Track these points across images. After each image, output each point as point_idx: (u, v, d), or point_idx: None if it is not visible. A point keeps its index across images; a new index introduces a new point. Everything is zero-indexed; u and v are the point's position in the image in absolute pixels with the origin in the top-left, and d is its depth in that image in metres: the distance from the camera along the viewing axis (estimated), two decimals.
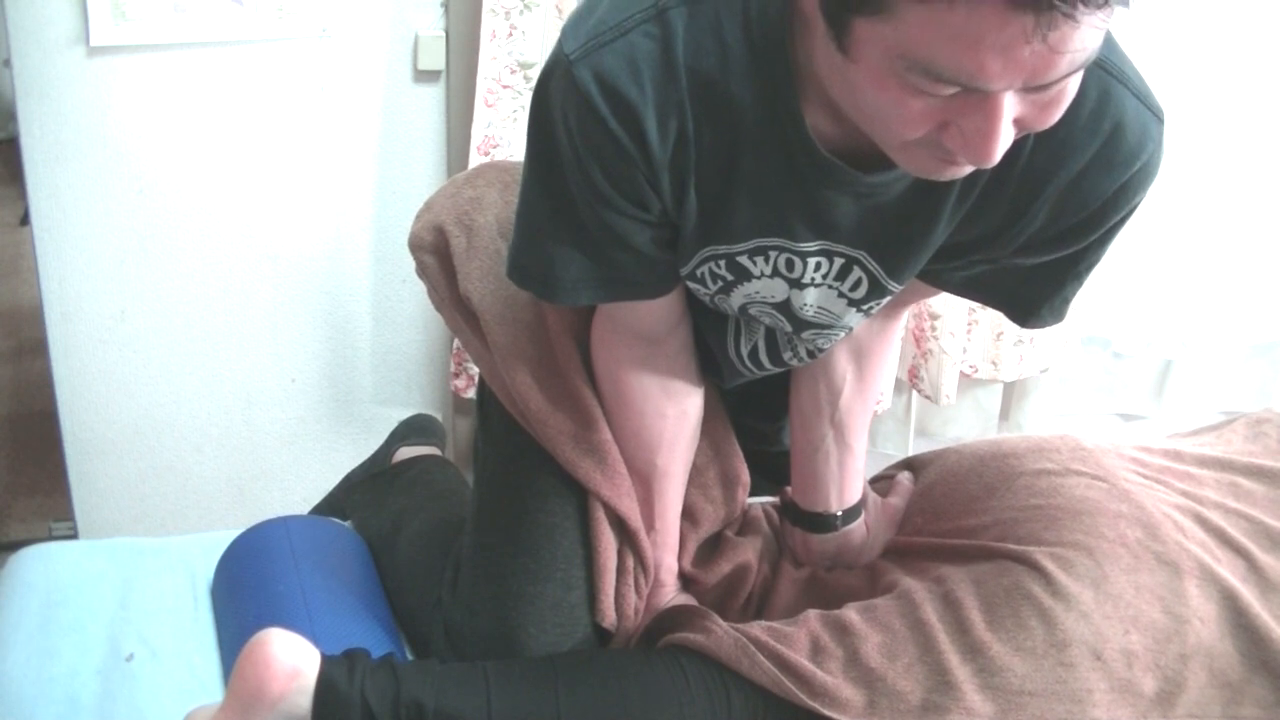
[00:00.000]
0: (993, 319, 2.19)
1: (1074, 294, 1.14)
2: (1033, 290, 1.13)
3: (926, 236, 1.03)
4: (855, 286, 1.09)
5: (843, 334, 1.18)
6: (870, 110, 0.84)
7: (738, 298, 1.12)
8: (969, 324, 2.19)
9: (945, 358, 2.17)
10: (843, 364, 1.28)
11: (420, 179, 2.00)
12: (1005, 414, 2.41)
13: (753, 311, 1.15)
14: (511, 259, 1.13)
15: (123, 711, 1.22)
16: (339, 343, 2.09)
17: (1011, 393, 2.38)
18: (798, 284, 1.09)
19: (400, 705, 1.09)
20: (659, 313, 1.18)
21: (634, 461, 1.26)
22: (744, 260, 1.07)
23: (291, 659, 1.09)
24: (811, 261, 1.07)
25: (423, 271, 1.35)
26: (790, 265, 1.07)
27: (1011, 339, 2.20)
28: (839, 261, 1.07)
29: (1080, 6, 0.71)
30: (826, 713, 1.12)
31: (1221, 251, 2.31)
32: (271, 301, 2.02)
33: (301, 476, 2.17)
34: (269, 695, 1.07)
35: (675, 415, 1.26)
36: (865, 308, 1.12)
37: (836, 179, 0.98)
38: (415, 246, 1.34)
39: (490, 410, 1.32)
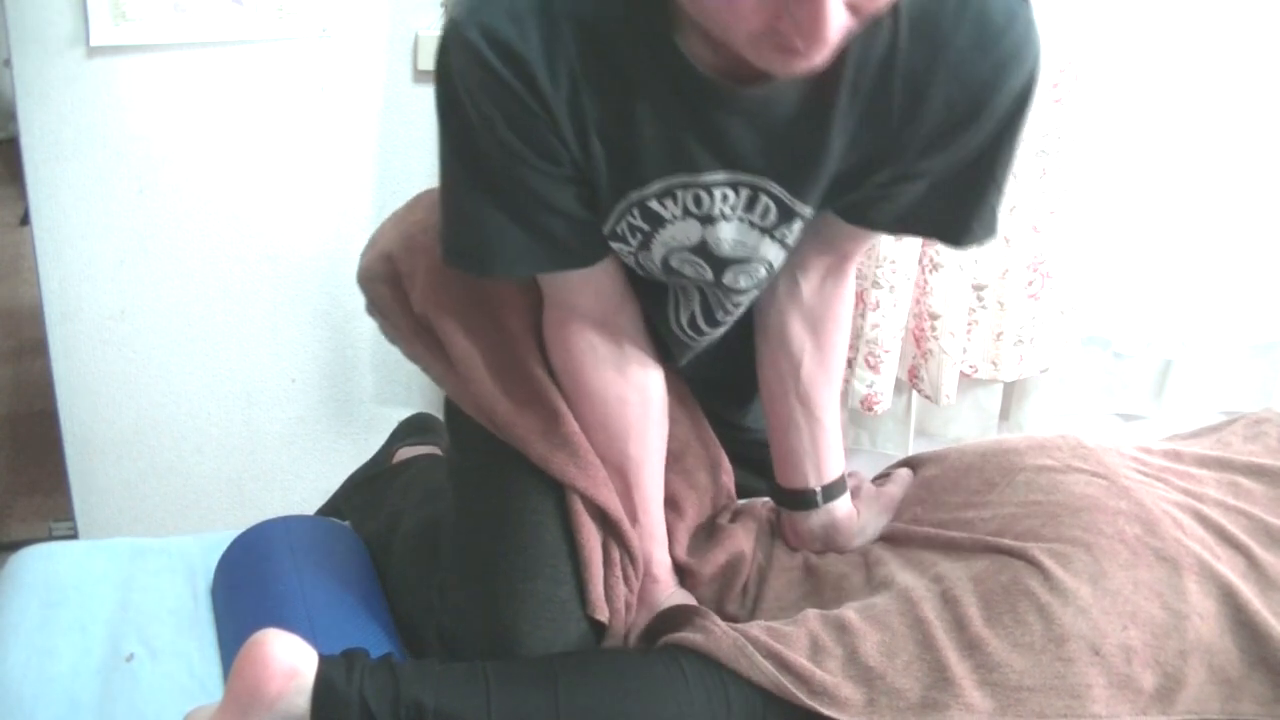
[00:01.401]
0: (993, 319, 2.19)
1: (998, 203, 1.15)
2: (958, 208, 1.15)
3: (822, 150, 1.06)
4: (765, 214, 1.11)
5: (764, 270, 1.19)
6: (710, 10, 0.89)
7: (658, 249, 1.14)
8: (969, 324, 2.19)
9: (945, 358, 2.17)
10: (799, 336, 1.30)
11: (420, 179, 2.01)
12: (1005, 414, 2.41)
13: (674, 264, 1.16)
14: (443, 240, 1.15)
15: (123, 711, 1.22)
16: (339, 343, 2.10)
17: (1011, 393, 2.38)
18: (709, 219, 1.11)
19: (399, 705, 1.09)
20: (599, 286, 1.20)
21: (607, 454, 1.27)
22: (655, 205, 1.09)
23: (289, 659, 1.09)
24: (718, 193, 1.09)
25: (374, 306, 1.38)
26: (698, 201, 1.09)
27: (1011, 339, 2.20)
28: (745, 192, 1.09)
29: None
30: (826, 712, 1.12)
31: (1221, 251, 2.31)
32: (271, 301, 2.02)
33: (301, 476, 2.17)
34: (267, 695, 1.07)
35: (638, 401, 1.27)
36: (778, 235, 1.14)
37: (721, 99, 1.02)
38: (366, 280, 1.37)
39: (460, 425, 1.33)
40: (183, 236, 1.93)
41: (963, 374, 2.24)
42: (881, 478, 1.47)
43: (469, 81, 1.01)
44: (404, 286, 1.32)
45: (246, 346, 2.04)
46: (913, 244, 2.06)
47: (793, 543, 1.38)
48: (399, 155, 1.98)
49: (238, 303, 2.01)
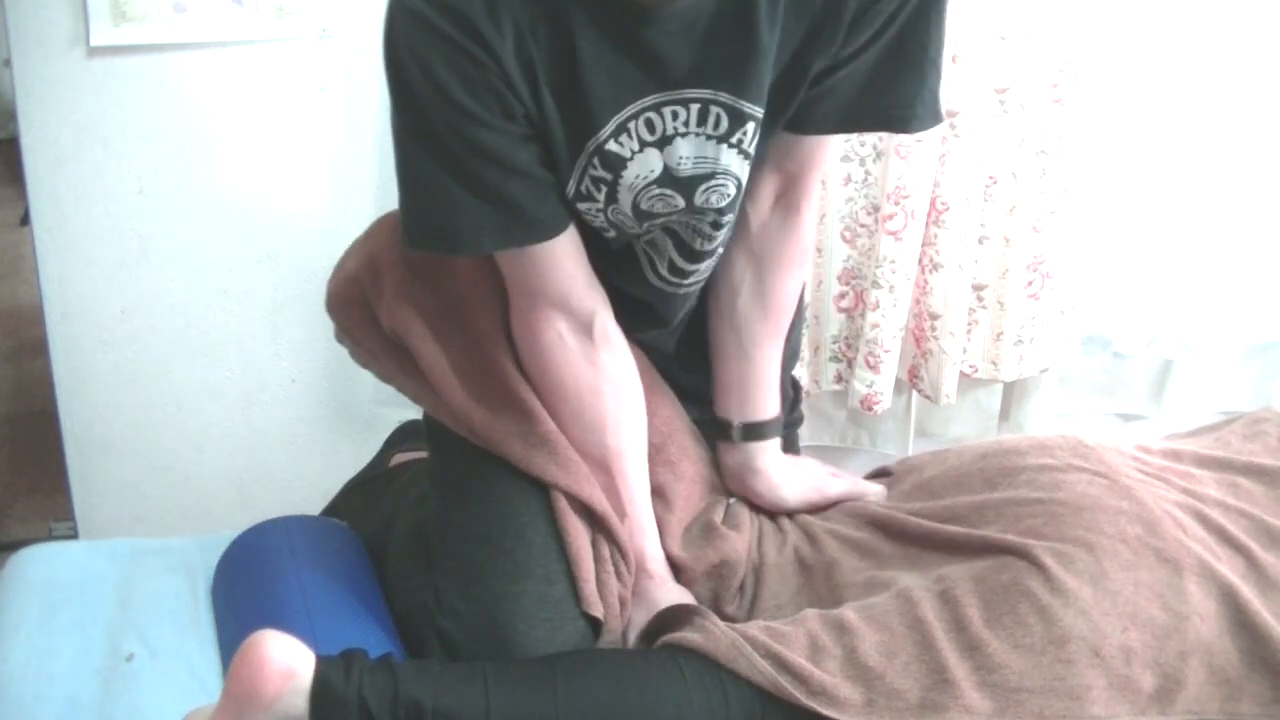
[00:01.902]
0: (993, 319, 2.19)
1: (937, 84, 1.20)
2: (899, 93, 1.19)
3: (752, 46, 1.09)
4: (717, 123, 1.14)
5: (732, 185, 1.20)
6: None
7: (625, 195, 1.16)
8: (969, 324, 2.19)
9: (945, 358, 2.17)
10: (740, 267, 1.33)
11: None
12: (1005, 414, 2.41)
13: (645, 205, 1.18)
14: (405, 224, 1.17)
15: (123, 711, 1.22)
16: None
17: (1011, 393, 2.38)
18: (666, 140, 1.14)
19: (399, 705, 1.09)
20: (565, 266, 1.22)
21: (587, 450, 1.28)
22: (612, 145, 1.12)
23: (286, 660, 1.09)
24: (668, 112, 1.12)
25: (343, 330, 1.39)
26: (651, 125, 1.12)
27: (1011, 339, 2.20)
28: (695, 107, 1.12)
29: None
30: (825, 711, 1.12)
31: (1221, 251, 2.31)
32: (271, 301, 2.02)
33: (301, 476, 2.17)
34: (264, 696, 1.07)
35: (610, 391, 1.28)
36: (734, 141, 1.16)
37: (655, 18, 1.06)
38: (334, 305, 1.38)
39: (440, 438, 1.34)
40: (183, 236, 1.93)
41: (963, 374, 2.24)
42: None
43: (418, 49, 1.03)
44: (372, 305, 1.34)
45: (246, 346, 2.04)
46: (913, 244, 2.06)
47: (722, 480, 1.41)
48: None
49: (238, 303, 2.01)
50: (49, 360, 1.95)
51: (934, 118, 1.22)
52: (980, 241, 2.11)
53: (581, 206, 1.17)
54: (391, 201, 1.99)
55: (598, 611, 1.25)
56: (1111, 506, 1.22)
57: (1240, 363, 2.49)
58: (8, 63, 1.77)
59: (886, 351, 2.15)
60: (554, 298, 1.23)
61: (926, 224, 2.07)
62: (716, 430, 1.41)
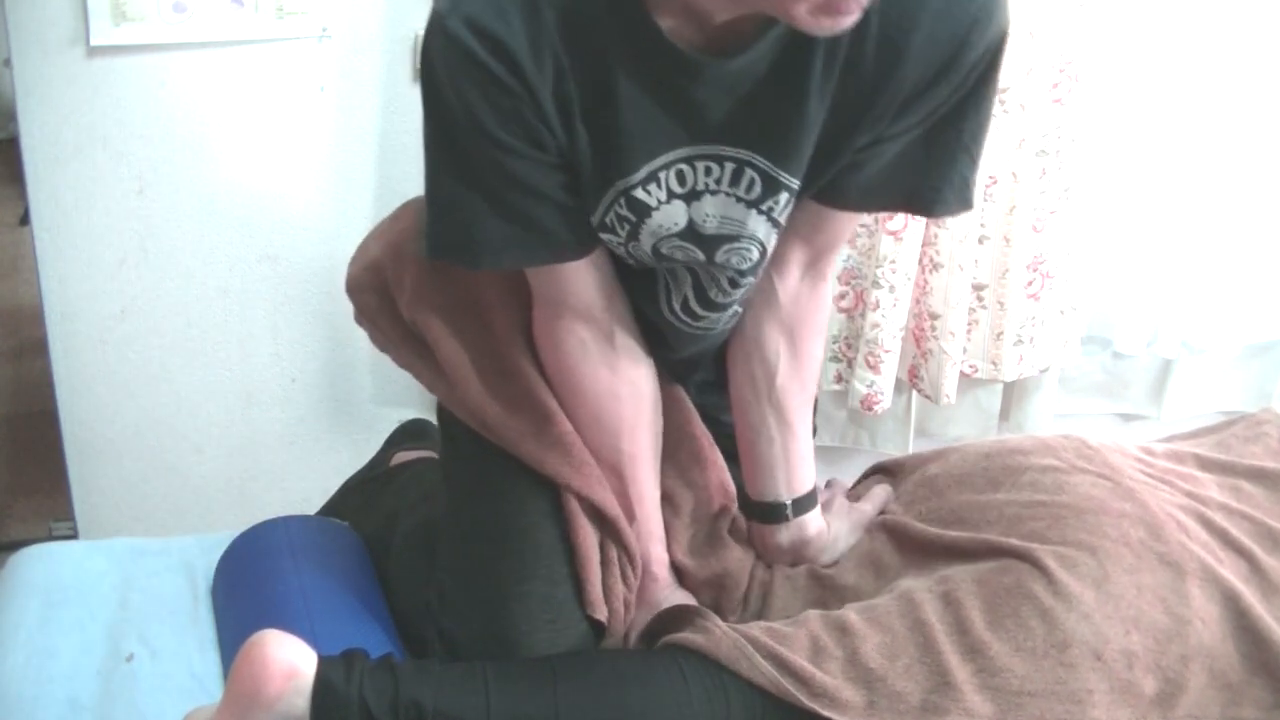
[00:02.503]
0: (993, 319, 2.19)
1: (971, 172, 1.16)
2: (929, 176, 1.15)
3: (801, 116, 1.06)
4: (750, 187, 1.11)
5: (755, 250, 1.18)
6: None
7: (647, 238, 1.14)
8: (969, 324, 2.19)
9: (945, 358, 2.17)
10: (774, 340, 1.29)
11: (420, 179, 2.00)
12: (1005, 414, 2.41)
13: (665, 250, 1.16)
14: (429, 236, 1.16)
15: (123, 711, 1.22)
16: (339, 343, 2.10)
17: (1011, 393, 2.38)
18: (694, 195, 1.11)
19: (399, 706, 1.09)
20: (589, 279, 1.20)
21: (600, 451, 1.27)
22: (640, 194, 1.10)
23: (288, 659, 1.09)
24: (700, 166, 1.10)
25: (363, 314, 1.38)
26: (682, 178, 1.10)
27: (1011, 339, 2.20)
28: (730, 166, 1.10)
29: None
30: (826, 713, 1.12)
31: (1221, 251, 2.31)
32: (271, 301, 2.02)
33: (301, 476, 2.17)
34: (266, 696, 1.07)
35: (630, 396, 1.27)
36: (765, 208, 1.13)
37: (703, 75, 1.03)
38: (354, 290, 1.37)
39: (454, 430, 1.33)
40: (183, 236, 1.93)
41: (963, 374, 2.24)
42: (859, 484, 1.46)
43: (454, 73, 1.02)
44: (392, 294, 1.33)
45: (246, 346, 2.04)
46: (913, 244, 2.06)
47: (761, 555, 1.37)
48: (399, 155, 1.98)
49: (238, 303, 2.01)
50: (49, 360, 1.95)
51: (961, 204, 1.17)
52: (980, 241, 2.11)
53: (604, 236, 1.16)
54: (391, 201, 1.99)
55: (602, 615, 1.25)
56: (1115, 509, 1.22)
57: (1240, 363, 2.49)
58: (8, 63, 1.77)
59: (887, 351, 2.15)
60: (577, 308, 1.22)
61: (926, 224, 2.07)
62: (762, 516, 1.35)
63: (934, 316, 2.15)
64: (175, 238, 1.93)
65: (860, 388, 2.18)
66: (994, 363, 2.23)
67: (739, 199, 1.12)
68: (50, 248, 1.87)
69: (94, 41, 1.74)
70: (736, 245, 1.16)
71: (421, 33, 1.87)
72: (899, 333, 2.16)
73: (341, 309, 2.06)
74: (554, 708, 1.12)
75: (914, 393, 2.29)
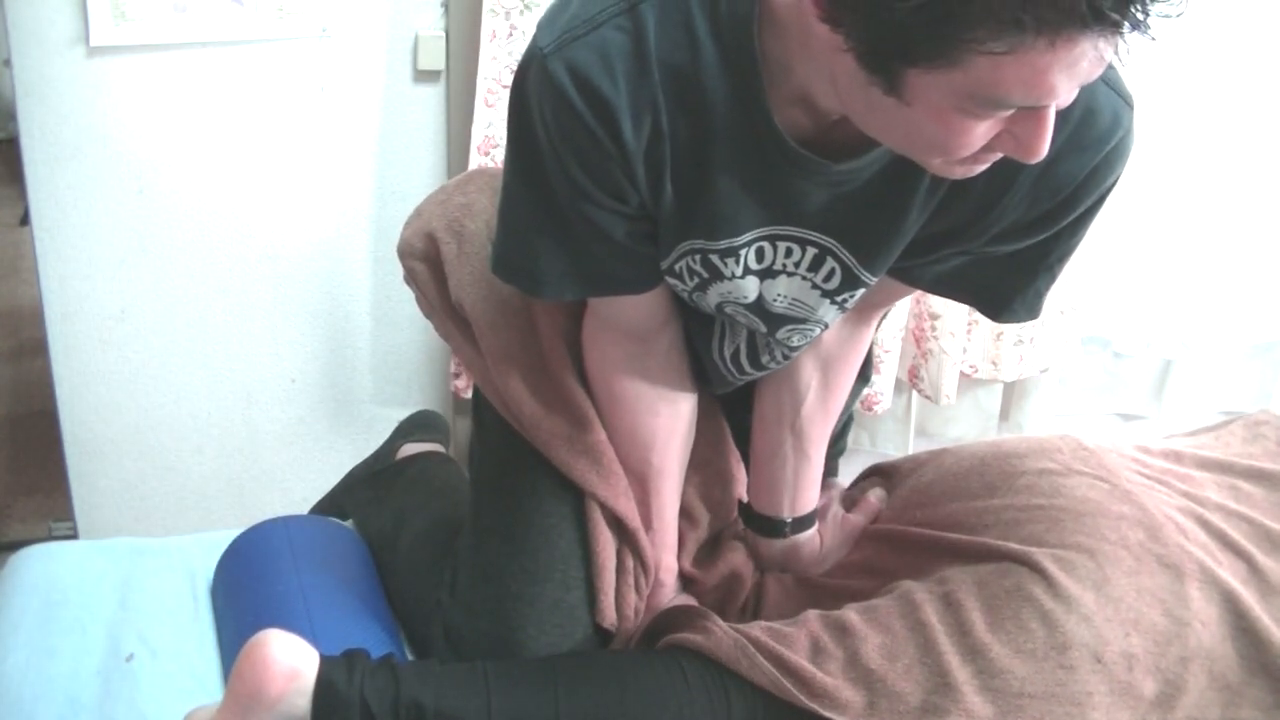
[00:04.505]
0: None
1: (1046, 287, 1.14)
2: (1004, 283, 1.14)
3: (898, 225, 1.04)
4: (829, 277, 1.09)
5: (818, 330, 1.18)
6: (925, 140, 0.86)
7: (714, 296, 1.13)
8: (969, 324, 2.19)
9: (945, 358, 2.17)
10: (808, 372, 1.29)
11: (420, 179, 2.00)
12: (1005, 414, 2.41)
13: (728, 310, 1.15)
14: (496, 254, 1.13)
15: (123, 711, 1.22)
16: (339, 343, 2.09)
17: (1011, 393, 2.38)
18: (769, 273, 1.09)
19: (400, 706, 1.09)
20: (645, 309, 1.19)
21: (629, 460, 1.26)
22: (717, 260, 1.07)
23: (290, 660, 1.09)
24: (782, 247, 1.07)
25: (412, 278, 1.35)
26: (760, 254, 1.08)
27: (1011, 339, 2.20)
28: (811, 251, 1.07)
29: (1138, 13, 0.76)
30: (826, 714, 1.12)
31: (1221, 251, 2.31)
32: (271, 301, 2.02)
33: (301, 476, 2.17)
34: (267, 696, 1.07)
35: (668, 414, 1.27)
36: (839, 299, 1.12)
37: (808, 170, 0.99)
38: (405, 253, 1.35)
39: (485, 416, 1.33)
40: (182, 236, 1.93)
41: (963, 374, 2.24)
42: (855, 486, 1.46)
43: (547, 114, 0.97)
44: (444, 268, 1.30)
45: (246, 346, 2.04)
46: None
47: (754, 559, 1.38)
48: (399, 155, 1.98)
49: (237, 303, 2.01)
50: (49, 360, 1.95)
51: (1029, 315, 1.16)
52: None
53: (671, 280, 1.13)
54: (391, 201, 2.00)
55: (611, 624, 1.25)
56: (1113, 511, 1.22)
57: (1240, 363, 2.49)
58: (8, 63, 1.77)
59: (886, 351, 2.15)
60: (629, 329, 1.21)
61: None
62: (760, 527, 1.36)
63: (934, 316, 2.15)
64: (175, 238, 1.93)
65: None
66: (994, 363, 2.23)
67: (815, 285, 1.10)
68: (50, 248, 1.87)
69: (94, 41, 1.74)
70: (802, 327, 1.16)
71: (421, 32, 1.89)
72: (899, 333, 2.16)
73: (341, 309, 2.07)
74: (555, 708, 1.12)
75: (914, 393, 2.29)
